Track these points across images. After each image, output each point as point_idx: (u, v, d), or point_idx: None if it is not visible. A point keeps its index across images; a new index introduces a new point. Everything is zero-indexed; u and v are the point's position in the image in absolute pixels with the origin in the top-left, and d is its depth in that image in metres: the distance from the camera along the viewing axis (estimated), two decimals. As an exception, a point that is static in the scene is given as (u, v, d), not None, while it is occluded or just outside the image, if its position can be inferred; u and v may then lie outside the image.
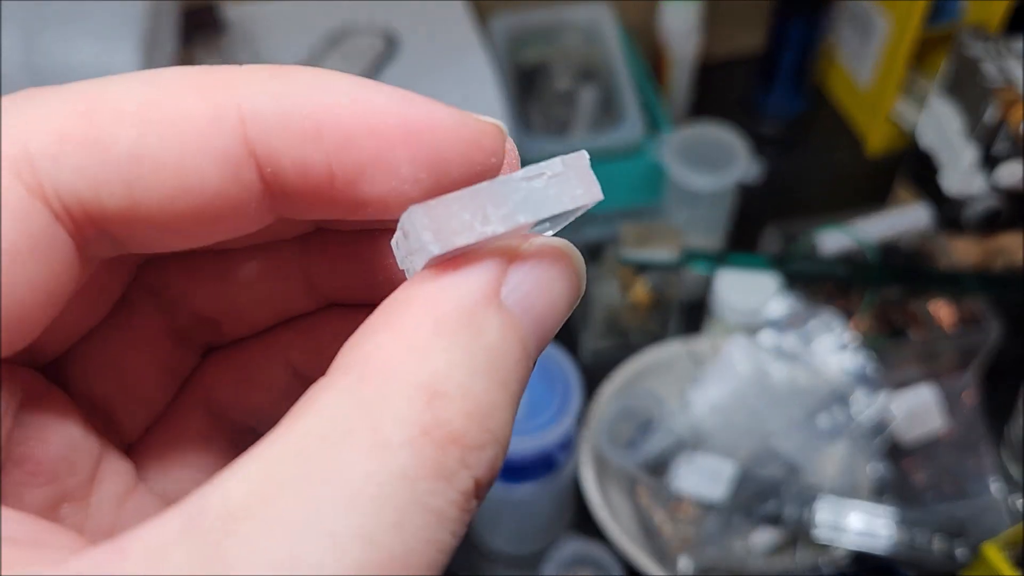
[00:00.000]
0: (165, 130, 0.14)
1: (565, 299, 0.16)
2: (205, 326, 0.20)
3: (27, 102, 0.14)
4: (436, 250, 0.15)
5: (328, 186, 0.15)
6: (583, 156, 0.16)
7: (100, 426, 0.19)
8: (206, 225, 0.16)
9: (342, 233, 0.20)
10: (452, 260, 0.15)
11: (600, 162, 0.77)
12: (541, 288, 0.16)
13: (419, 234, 0.15)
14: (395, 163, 0.15)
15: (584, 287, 0.17)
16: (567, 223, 0.17)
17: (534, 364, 0.16)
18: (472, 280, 0.15)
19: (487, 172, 0.16)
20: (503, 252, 0.16)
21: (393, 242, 0.16)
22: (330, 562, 0.12)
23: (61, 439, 0.17)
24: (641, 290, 0.73)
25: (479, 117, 0.16)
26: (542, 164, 0.16)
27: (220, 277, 0.20)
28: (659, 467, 0.64)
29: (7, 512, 0.14)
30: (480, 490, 0.14)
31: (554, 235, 0.18)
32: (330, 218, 0.17)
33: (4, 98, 0.14)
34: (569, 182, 0.16)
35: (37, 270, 0.14)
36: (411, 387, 0.14)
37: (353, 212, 0.16)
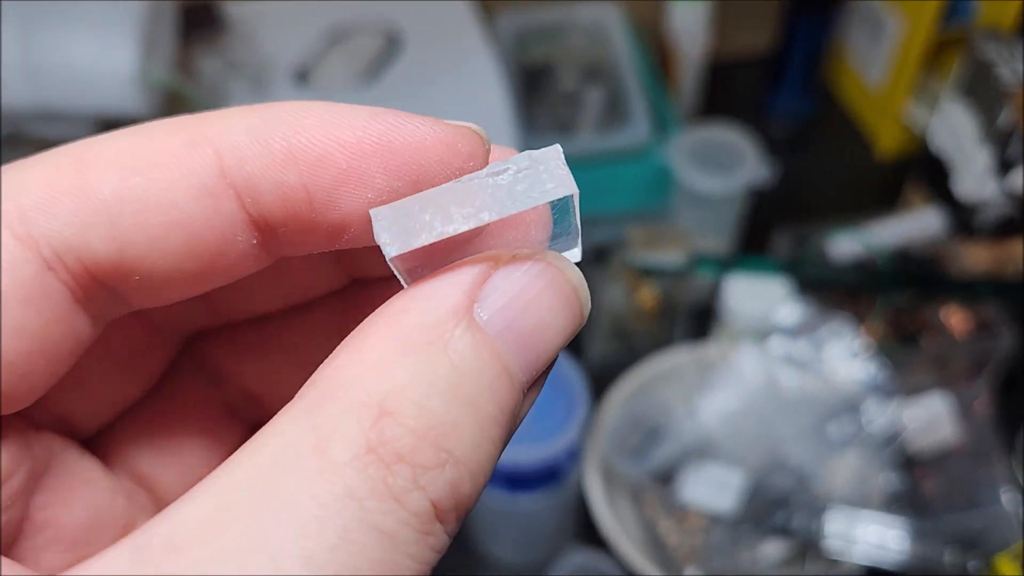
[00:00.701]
0: (144, 170, 0.15)
1: (557, 316, 0.15)
2: (251, 401, 0.21)
3: (23, 164, 0.15)
4: (393, 252, 0.15)
5: (308, 208, 0.16)
6: (556, 150, 0.16)
7: (139, 495, 0.19)
8: (199, 265, 0.16)
9: (378, 281, 0.20)
10: (435, 271, 0.15)
11: (606, 164, 0.76)
12: (522, 303, 0.15)
13: (378, 235, 0.15)
14: (368, 174, 0.15)
15: (587, 306, 0.16)
16: (571, 229, 0.17)
17: (531, 387, 0.16)
18: (441, 294, 0.15)
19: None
20: (483, 263, 0.15)
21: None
22: None
23: (87, 507, 0.17)
24: (648, 295, 0.72)
25: (454, 122, 0.16)
26: (509, 159, 0.15)
27: (263, 349, 0.20)
28: (666, 476, 0.63)
29: None
30: (442, 513, 0.14)
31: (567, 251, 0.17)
32: (319, 250, 0.16)
33: (13, 164, 0.15)
34: (538, 177, 0.15)
35: (28, 318, 0.15)
36: (361, 406, 0.13)
37: (338, 236, 0.16)
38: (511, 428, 0.15)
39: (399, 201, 0.15)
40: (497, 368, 0.14)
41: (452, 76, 0.72)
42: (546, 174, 0.15)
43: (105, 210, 0.15)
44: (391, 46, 0.74)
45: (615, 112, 0.80)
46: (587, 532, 0.64)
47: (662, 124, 0.79)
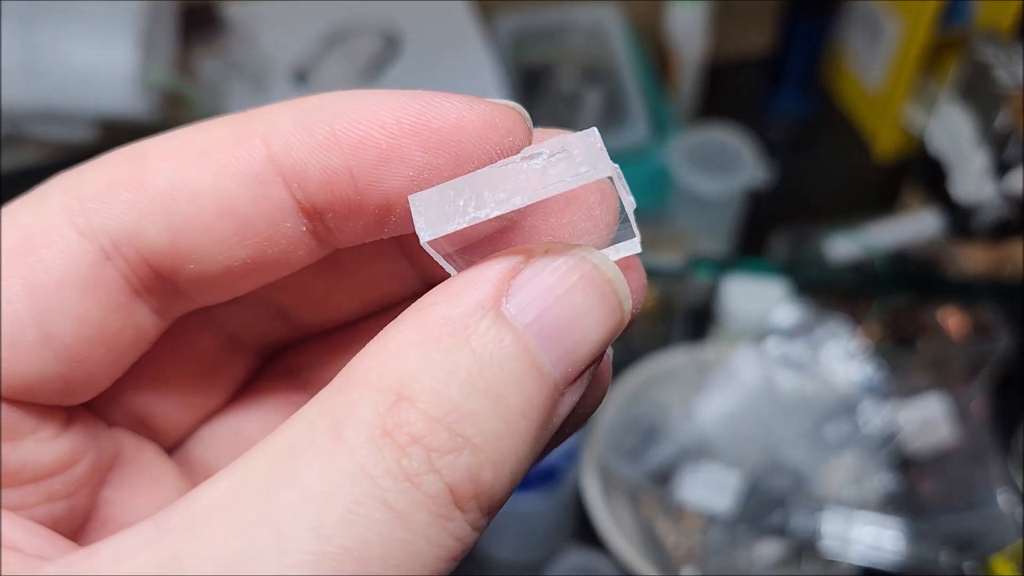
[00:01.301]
0: (196, 161, 0.16)
1: (593, 311, 0.15)
2: None
3: (90, 164, 0.16)
4: (427, 236, 0.15)
5: (352, 191, 0.16)
6: (592, 133, 0.15)
7: None
8: (250, 252, 0.16)
9: None
10: (472, 261, 0.15)
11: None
12: (553, 297, 0.15)
13: (415, 221, 0.15)
14: (408, 152, 0.16)
15: (627, 302, 0.16)
16: (625, 222, 0.16)
17: (572, 386, 0.15)
18: (470, 288, 0.15)
19: (507, 151, 0.16)
20: (515, 256, 0.15)
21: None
22: (274, 556, 0.12)
23: (154, 508, 0.18)
24: (646, 296, 0.72)
25: (492, 100, 0.16)
26: (544, 143, 0.15)
27: (346, 356, 0.21)
28: (663, 476, 0.63)
29: (8, 517, 0.15)
30: (461, 500, 0.14)
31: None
32: (369, 238, 0.17)
33: (77, 167, 0.16)
34: (572, 160, 0.15)
35: (86, 305, 0.16)
36: (377, 391, 0.14)
37: (385, 219, 0.16)
38: (544, 424, 0.15)
39: (436, 187, 0.15)
40: (525, 361, 0.14)
41: (451, 77, 0.72)
42: (580, 157, 0.15)
43: (160, 199, 0.16)
44: (390, 47, 0.74)
45: (614, 113, 0.80)
46: (584, 532, 0.64)
47: (661, 125, 0.80)
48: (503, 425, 0.14)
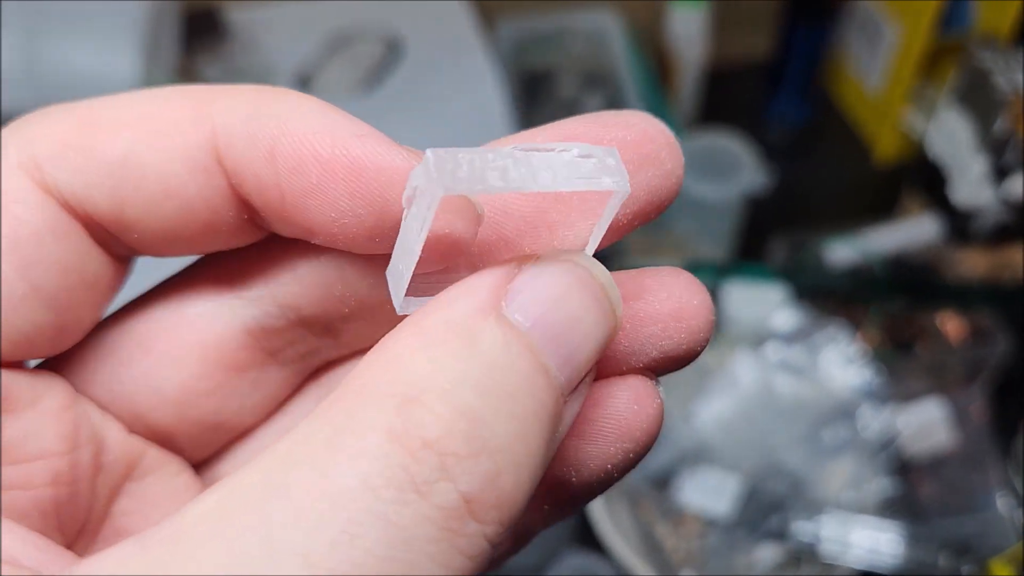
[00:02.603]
0: (148, 140, 0.16)
1: (589, 312, 0.15)
2: None
3: (39, 117, 0.16)
4: (441, 191, 0.14)
5: (280, 205, 0.16)
6: (614, 152, 0.15)
7: None
8: (192, 230, 0.17)
9: None
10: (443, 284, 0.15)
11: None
12: (551, 299, 0.15)
13: (430, 172, 0.14)
14: (335, 195, 0.16)
15: (618, 306, 0.16)
16: (602, 233, 0.16)
17: (573, 395, 0.15)
18: (466, 295, 0.14)
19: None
20: (507, 264, 0.15)
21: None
22: (261, 573, 0.12)
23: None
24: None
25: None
26: (566, 143, 0.15)
27: None
28: (663, 480, 0.63)
29: (8, 527, 0.15)
30: (478, 510, 0.12)
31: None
32: (304, 238, 0.17)
33: (22, 118, 0.16)
34: (600, 166, 0.15)
35: (64, 252, 0.16)
36: (383, 395, 0.13)
37: (307, 235, 0.17)
38: (552, 432, 0.14)
39: (453, 149, 0.14)
40: (532, 362, 0.14)
41: (452, 83, 0.72)
42: (604, 167, 0.15)
43: (108, 171, 0.16)
44: (392, 53, 0.74)
45: (614, 118, 0.80)
46: (584, 535, 0.65)
47: (661, 130, 0.80)
48: (519, 427, 0.13)
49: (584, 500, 0.18)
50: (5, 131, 0.16)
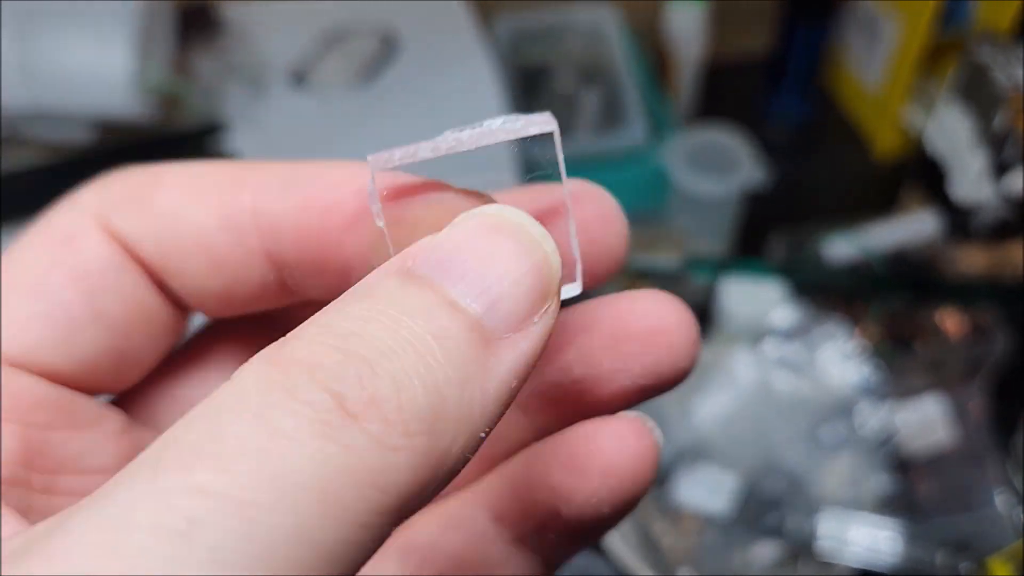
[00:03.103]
0: (194, 196, 0.18)
1: (500, 247, 0.15)
2: None
3: (119, 175, 0.19)
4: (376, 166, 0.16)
5: (318, 249, 0.18)
6: (545, 114, 0.17)
7: None
8: (221, 284, 0.19)
9: None
10: None
11: (603, 166, 0.76)
12: (453, 243, 0.15)
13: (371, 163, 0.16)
14: (370, 216, 0.18)
15: (544, 241, 0.15)
16: (548, 167, 0.17)
17: (513, 332, 0.14)
18: (373, 273, 0.15)
19: None
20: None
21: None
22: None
23: None
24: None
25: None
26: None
27: None
28: (660, 478, 0.63)
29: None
30: (352, 406, 0.12)
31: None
32: (329, 295, 0.17)
33: (107, 175, 0.19)
34: (527, 122, 0.16)
35: (122, 283, 0.18)
36: (262, 355, 0.13)
37: (344, 284, 0.17)
38: (481, 364, 0.14)
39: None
40: (429, 294, 0.14)
41: (448, 78, 0.72)
42: (526, 120, 0.16)
43: (156, 223, 0.18)
44: (388, 48, 0.74)
45: (612, 114, 0.80)
46: (581, 533, 0.64)
47: (659, 126, 0.79)
48: (397, 343, 0.13)
49: (582, 537, 0.19)
50: (91, 185, 0.19)
